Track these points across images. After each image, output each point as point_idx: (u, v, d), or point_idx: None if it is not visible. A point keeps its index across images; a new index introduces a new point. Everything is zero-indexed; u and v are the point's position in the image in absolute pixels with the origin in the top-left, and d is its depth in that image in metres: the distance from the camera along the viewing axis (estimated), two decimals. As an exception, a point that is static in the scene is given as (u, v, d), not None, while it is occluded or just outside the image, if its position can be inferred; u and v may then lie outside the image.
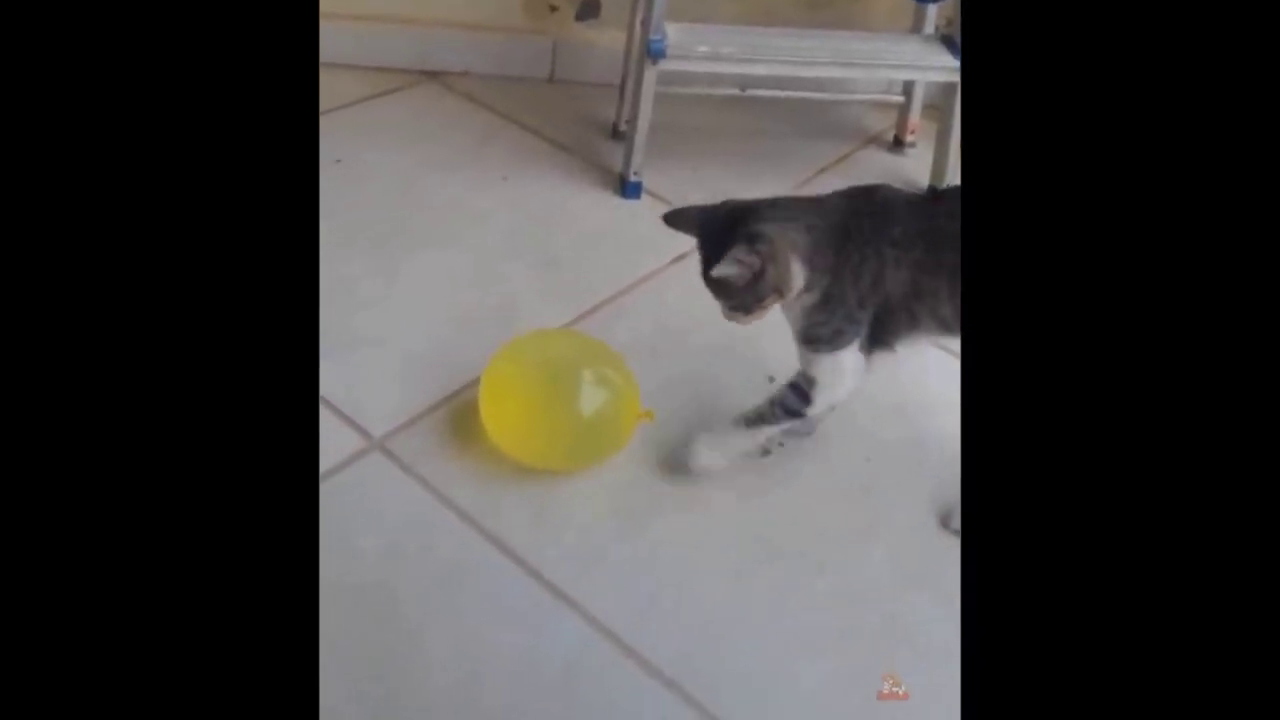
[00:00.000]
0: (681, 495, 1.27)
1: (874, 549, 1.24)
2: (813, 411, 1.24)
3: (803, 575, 1.20)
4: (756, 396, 1.27)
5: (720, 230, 1.16)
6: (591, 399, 1.25)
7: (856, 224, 1.17)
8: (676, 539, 1.22)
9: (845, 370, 1.21)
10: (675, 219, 1.22)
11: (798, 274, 1.16)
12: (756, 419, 1.24)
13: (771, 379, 1.36)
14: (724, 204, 1.21)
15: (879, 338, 1.20)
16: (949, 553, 1.21)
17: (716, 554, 1.21)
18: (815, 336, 1.20)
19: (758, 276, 1.15)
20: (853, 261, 1.16)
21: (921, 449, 1.36)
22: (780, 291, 1.16)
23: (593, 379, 1.25)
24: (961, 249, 0.90)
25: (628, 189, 1.80)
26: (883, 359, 1.22)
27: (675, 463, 1.28)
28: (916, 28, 1.97)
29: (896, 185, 1.24)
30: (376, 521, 1.19)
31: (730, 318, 1.21)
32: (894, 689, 1.11)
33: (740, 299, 1.18)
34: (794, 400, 1.23)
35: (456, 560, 1.16)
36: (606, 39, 2.09)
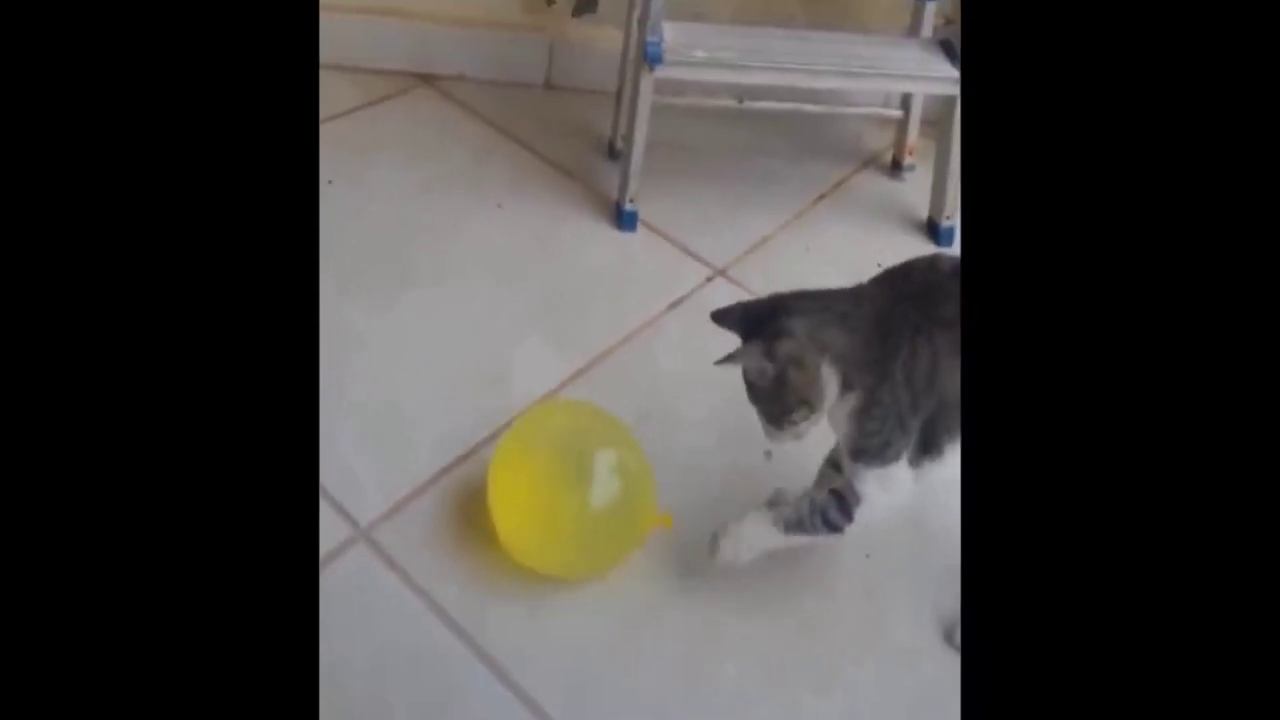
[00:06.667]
0: (681, 604, 1.22)
1: (877, 668, 1.20)
2: (852, 529, 1.13)
3: (806, 697, 1.17)
4: (759, 478, 1.24)
5: (757, 328, 1.08)
6: (609, 505, 1.18)
7: (901, 311, 1.06)
8: (675, 655, 1.18)
9: (895, 486, 1.10)
10: (722, 319, 1.12)
11: (829, 381, 1.06)
12: (795, 525, 1.13)
13: (768, 454, 1.34)
14: (767, 299, 1.12)
15: (930, 441, 1.07)
16: (953, 673, 1.15)
17: (718, 673, 1.17)
18: (863, 448, 1.08)
19: (780, 382, 1.06)
20: (902, 355, 1.04)
21: (923, 542, 1.30)
22: (810, 404, 1.06)
23: (611, 480, 1.18)
24: (960, 315, 0.83)
25: (624, 219, 1.79)
26: (933, 468, 1.09)
27: (697, 550, 1.20)
28: (914, 27, 1.91)
29: (944, 258, 1.13)
30: (361, 629, 1.14)
31: (769, 435, 1.12)
32: None
33: (765, 406, 1.10)
34: (837, 514, 1.11)
35: (443, 677, 1.12)
36: (603, 39, 2.04)
